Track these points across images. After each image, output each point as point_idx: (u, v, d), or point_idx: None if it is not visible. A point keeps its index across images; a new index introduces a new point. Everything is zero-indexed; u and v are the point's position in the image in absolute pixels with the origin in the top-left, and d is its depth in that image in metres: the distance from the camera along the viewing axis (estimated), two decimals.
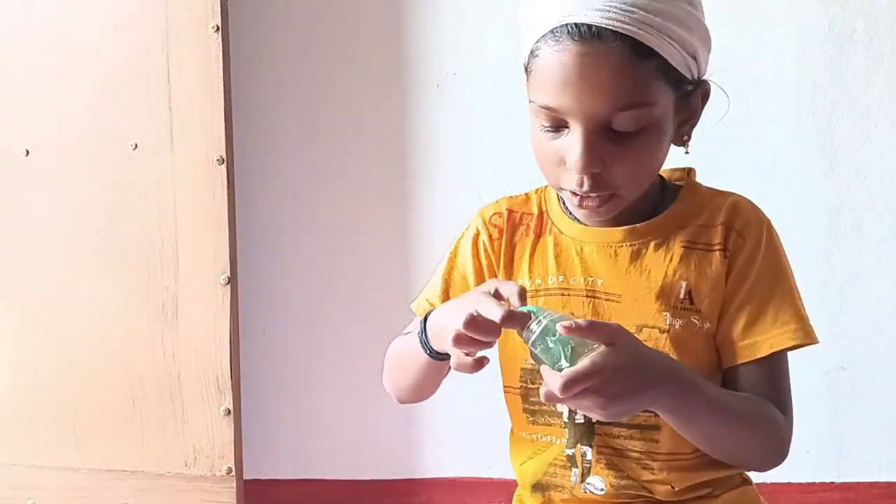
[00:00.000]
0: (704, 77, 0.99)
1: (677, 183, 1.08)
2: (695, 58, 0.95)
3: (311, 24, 2.16)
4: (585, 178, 0.95)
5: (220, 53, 1.92)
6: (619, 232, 1.04)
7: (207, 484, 1.99)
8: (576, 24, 0.90)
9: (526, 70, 1.01)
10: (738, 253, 1.01)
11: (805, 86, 2.02)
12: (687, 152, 1.02)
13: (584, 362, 0.85)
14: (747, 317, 1.00)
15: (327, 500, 2.21)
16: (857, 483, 2.06)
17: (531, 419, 1.06)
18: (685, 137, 1.01)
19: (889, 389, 2.04)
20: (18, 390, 2.07)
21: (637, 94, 0.91)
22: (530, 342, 0.89)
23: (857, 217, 2.03)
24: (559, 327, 0.86)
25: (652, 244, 1.03)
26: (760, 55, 2.02)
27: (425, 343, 1.00)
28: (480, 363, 0.92)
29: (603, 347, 0.86)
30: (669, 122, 0.96)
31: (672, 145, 1.01)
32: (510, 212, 1.11)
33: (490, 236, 1.10)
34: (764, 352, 1.00)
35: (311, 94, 2.17)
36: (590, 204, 0.98)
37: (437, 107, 2.14)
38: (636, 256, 1.03)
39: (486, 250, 1.10)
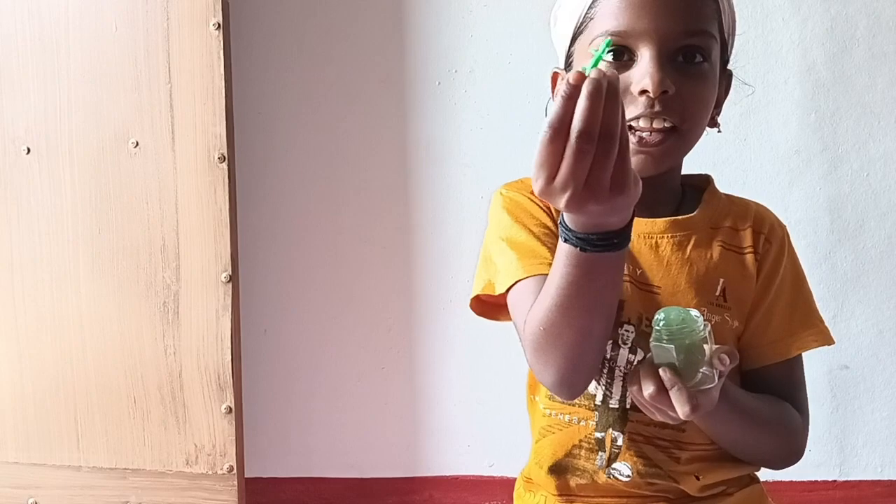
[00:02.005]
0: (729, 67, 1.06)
1: (694, 186, 1.11)
2: (732, 31, 1.03)
3: (312, 22, 2.16)
4: (657, 101, 0.95)
5: (221, 51, 1.91)
6: (661, 223, 1.05)
7: (209, 482, 1.99)
8: None
9: (578, 27, 1.02)
10: (765, 257, 1.05)
11: (807, 84, 2.02)
12: (719, 131, 1.06)
13: (704, 397, 0.86)
14: (775, 319, 1.04)
15: (328, 499, 2.21)
16: (860, 481, 2.06)
17: (549, 395, 1.06)
18: (716, 117, 1.05)
19: (891, 388, 2.04)
20: (20, 388, 2.07)
21: (705, 21, 0.98)
22: (675, 345, 0.86)
23: (859, 215, 2.03)
24: (720, 359, 0.86)
25: (693, 238, 1.05)
26: (763, 53, 2.01)
27: (564, 226, 0.82)
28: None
29: (716, 378, 0.87)
30: (717, 77, 1.01)
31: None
32: None
33: (532, 199, 1.06)
34: (792, 353, 1.04)
35: (312, 92, 2.17)
36: (652, 139, 0.97)
37: (437, 104, 2.13)
38: (678, 248, 1.04)
39: (539, 203, 1.05)
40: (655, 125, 0.96)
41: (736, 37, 1.06)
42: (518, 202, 1.05)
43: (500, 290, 1.01)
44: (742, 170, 2.04)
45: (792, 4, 2.01)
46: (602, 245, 0.80)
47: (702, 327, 0.86)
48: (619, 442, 1.03)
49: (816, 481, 2.05)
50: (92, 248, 2.01)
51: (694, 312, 0.87)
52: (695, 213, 1.06)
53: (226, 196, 1.94)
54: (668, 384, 0.85)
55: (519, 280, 0.99)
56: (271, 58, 2.16)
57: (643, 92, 0.95)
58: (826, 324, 1.06)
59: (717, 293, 1.02)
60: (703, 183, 1.11)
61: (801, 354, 1.05)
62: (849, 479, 2.06)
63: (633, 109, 0.96)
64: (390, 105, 2.15)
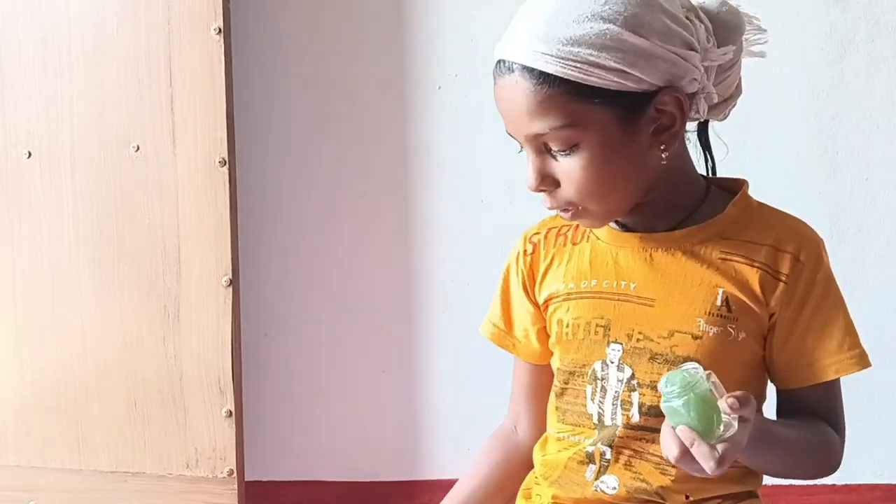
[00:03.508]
0: (670, 84, 0.96)
1: (724, 190, 1.10)
2: (624, 72, 0.93)
3: (313, 26, 2.16)
4: (546, 196, 1.01)
5: (223, 55, 1.92)
6: (656, 237, 1.05)
7: (209, 485, 2.00)
8: (497, 61, 0.99)
9: None
10: (798, 277, 1.02)
11: (807, 88, 2.02)
12: (663, 161, 1.00)
13: (727, 446, 0.85)
14: (812, 340, 1.03)
15: (328, 502, 2.21)
16: (859, 485, 2.06)
17: (561, 418, 1.09)
18: (662, 147, 0.99)
19: (891, 391, 2.04)
20: (21, 392, 2.07)
21: (552, 118, 0.95)
22: (682, 402, 0.86)
23: (859, 219, 2.03)
24: (730, 404, 0.85)
25: (689, 250, 1.04)
26: (762, 58, 2.01)
27: None
28: None
29: (736, 424, 0.87)
30: (615, 137, 0.96)
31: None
32: (549, 229, 1.16)
33: (525, 251, 1.15)
34: (830, 376, 1.03)
35: (313, 96, 2.17)
36: (565, 217, 1.03)
37: (438, 109, 2.14)
38: (671, 261, 1.04)
39: (523, 264, 1.15)
40: (555, 209, 1.02)
41: (659, 54, 0.95)
42: (508, 264, 1.17)
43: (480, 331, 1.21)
44: (741, 174, 2.03)
45: (791, 9, 2.01)
46: None
47: (704, 377, 0.86)
48: (608, 455, 1.04)
49: (816, 485, 2.05)
50: (93, 251, 2.01)
51: (691, 366, 0.88)
52: (701, 223, 1.04)
53: (226, 200, 1.94)
54: (687, 442, 0.85)
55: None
56: (272, 62, 2.17)
57: None
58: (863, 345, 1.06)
59: (719, 303, 1.01)
60: (736, 188, 1.10)
61: (839, 380, 1.06)
62: (848, 482, 2.06)
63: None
64: (391, 109, 2.15)
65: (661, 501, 1.03)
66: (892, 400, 2.04)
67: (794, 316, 1.02)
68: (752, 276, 1.02)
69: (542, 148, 0.98)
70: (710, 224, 1.04)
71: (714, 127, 1.14)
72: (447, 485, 2.17)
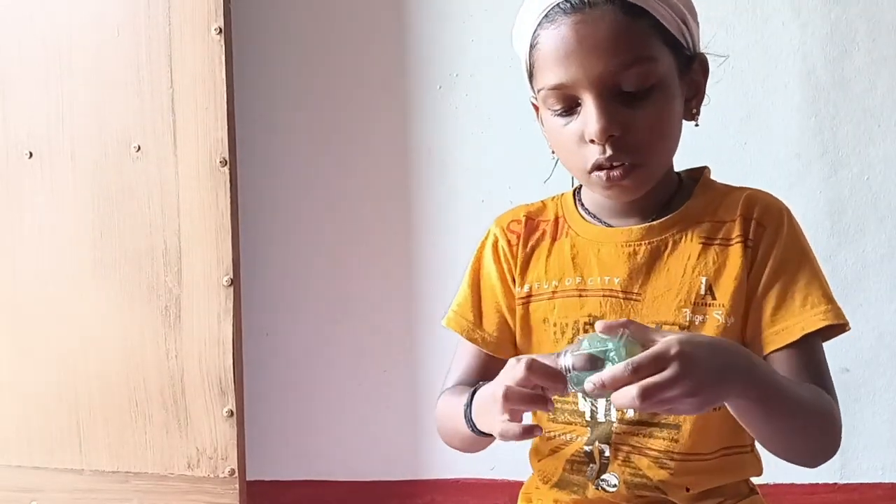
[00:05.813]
0: (700, 51, 1.03)
1: (693, 179, 1.09)
2: (685, 23, 0.99)
3: (314, 26, 2.16)
4: (607, 146, 0.97)
5: (223, 55, 1.92)
6: (636, 231, 1.05)
7: (210, 485, 2.00)
8: (565, 0, 0.97)
9: (530, 70, 1.04)
10: (759, 241, 1.02)
11: (808, 88, 2.02)
12: (697, 125, 1.04)
13: (648, 352, 0.80)
14: (775, 302, 1.00)
15: (330, 502, 2.21)
16: (861, 484, 2.06)
17: (552, 417, 1.08)
18: (694, 111, 1.03)
19: (892, 391, 2.04)
20: (22, 392, 2.07)
21: (637, 49, 0.96)
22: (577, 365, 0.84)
23: (860, 218, 2.03)
24: (623, 345, 0.82)
25: (670, 241, 1.04)
26: (763, 57, 2.02)
27: (469, 419, 1.00)
28: (530, 431, 0.88)
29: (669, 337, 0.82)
30: (676, 85, 1.00)
31: (685, 122, 1.04)
32: (528, 218, 1.14)
33: (509, 242, 1.13)
34: (796, 335, 0.98)
35: (314, 96, 2.17)
36: (615, 175, 0.98)
37: (439, 108, 2.14)
38: (655, 254, 1.04)
39: (504, 255, 1.13)
40: (615, 164, 0.98)
41: (695, 19, 1.03)
42: (479, 256, 1.16)
43: (443, 322, 1.16)
44: (742, 174, 2.03)
45: (792, 8, 2.01)
46: (489, 435, 0.98)
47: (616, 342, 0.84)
48: (607, 453, 1.03)
49: (817, 484, 2.05)
50: (94, 252, 2.02)
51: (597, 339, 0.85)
52: (675, 213, 1.05)
53: (227, 200, 1.94)
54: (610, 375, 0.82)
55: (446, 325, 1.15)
56: (273, 62, 2.17)
57: (592, 140, 0.97)
58: (839, 304, 1.00)
59: (702, 292, 1.00)
60: (698, 175, 1.10)
61: (816, 338, 0.99)
62: (850, 482, 2.06)
63: (590, 155, 0.98)
64: (391, 109, 2.16)
65: (663, 496, 1.03)
66: (893, 400, 2.04)
67: (758, 279, 1.01)
68: (734, 253, 1.02)
69: (611, 91, 0.96)
70: (683, 212, 1.05)
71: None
72: (448, 484, 2.19)
